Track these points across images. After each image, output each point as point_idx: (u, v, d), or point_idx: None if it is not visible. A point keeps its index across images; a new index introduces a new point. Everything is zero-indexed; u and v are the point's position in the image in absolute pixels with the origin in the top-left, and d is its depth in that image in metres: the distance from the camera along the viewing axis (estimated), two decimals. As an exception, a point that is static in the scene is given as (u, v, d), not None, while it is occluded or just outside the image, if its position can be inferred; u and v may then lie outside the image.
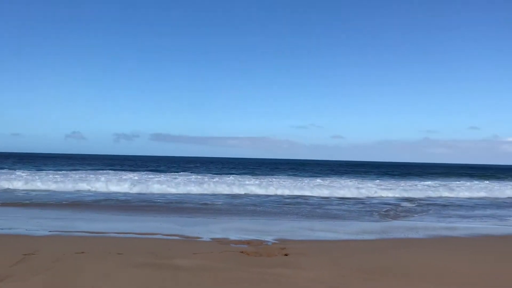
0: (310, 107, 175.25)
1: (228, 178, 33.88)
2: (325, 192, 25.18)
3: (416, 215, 17.08)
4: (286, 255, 8.44)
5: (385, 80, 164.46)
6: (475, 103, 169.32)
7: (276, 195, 24.00)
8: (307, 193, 25.03)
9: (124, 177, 31.54)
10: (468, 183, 36.37)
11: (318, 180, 35.03)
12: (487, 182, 40.74)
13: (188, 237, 10.51)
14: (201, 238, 10.44)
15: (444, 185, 33.43)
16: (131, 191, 23.62)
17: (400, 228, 13.37)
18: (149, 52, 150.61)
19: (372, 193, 25.41)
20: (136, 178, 30.61)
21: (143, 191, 23.80)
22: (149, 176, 33.46)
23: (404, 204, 21.47)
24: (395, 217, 16.37)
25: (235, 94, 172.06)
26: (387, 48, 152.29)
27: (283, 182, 30.58)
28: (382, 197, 24.59)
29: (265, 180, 33.58)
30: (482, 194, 27.40)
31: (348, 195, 24.63)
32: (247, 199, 21.59)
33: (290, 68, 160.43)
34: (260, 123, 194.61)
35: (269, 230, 12.17)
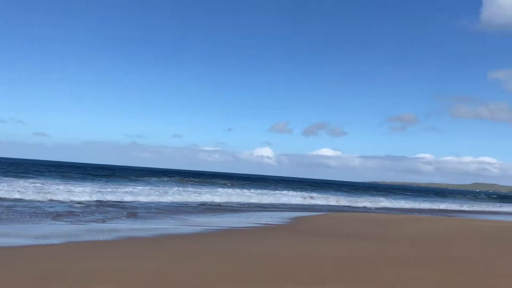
0: (9, 98, 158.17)
1: None
2: (16, 195, 22.97)
3: (110, 218, 17.31)
4: None
5: (101, 82, 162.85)
6: (179, 112, 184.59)
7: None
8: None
9: None
10: (175, 189, 39.01)
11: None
12: (189, 187, 44.60)
13: None
14: None
15: (146, 189, 35.01)
16: None
17: (91, 231, 13.30)
18: None
19: (68, 196, 24.32)
20: None
21: None
22: None
23: (101, 206, 21.52)
24: (89, 220, 16.21)
25: None
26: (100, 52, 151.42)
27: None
28: (81, 201, 23.91)
29: None
30: (171, 198, 29.31)
31: (39, 198, 22.99)
32: None
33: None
34: None
35: None
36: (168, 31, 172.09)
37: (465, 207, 50.22)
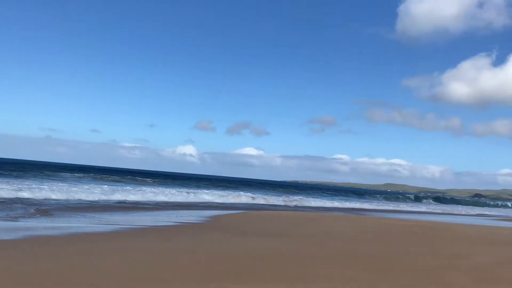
0: None
1: None
2: None
3: (17, 216, 16.15)
4: None
5: (11, 71, 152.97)
6: (97, 106, 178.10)
7: None
8: None
9: None
10: (91, 185, 37.36)
11: None
12: (106, 183, 42.91)
13: None
14: None
15: (59, 185, 33.23)
16: None
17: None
18: None
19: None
20: None
21: None
22: None
23: (7, 203, 20.07)
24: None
25: None
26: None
27: None
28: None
29: None
30: (86, 195, 27.69)
31: None
32: None
33: None
34: None
35: None
36: (90, 24, 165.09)
37: (378, 206, 52.89)
